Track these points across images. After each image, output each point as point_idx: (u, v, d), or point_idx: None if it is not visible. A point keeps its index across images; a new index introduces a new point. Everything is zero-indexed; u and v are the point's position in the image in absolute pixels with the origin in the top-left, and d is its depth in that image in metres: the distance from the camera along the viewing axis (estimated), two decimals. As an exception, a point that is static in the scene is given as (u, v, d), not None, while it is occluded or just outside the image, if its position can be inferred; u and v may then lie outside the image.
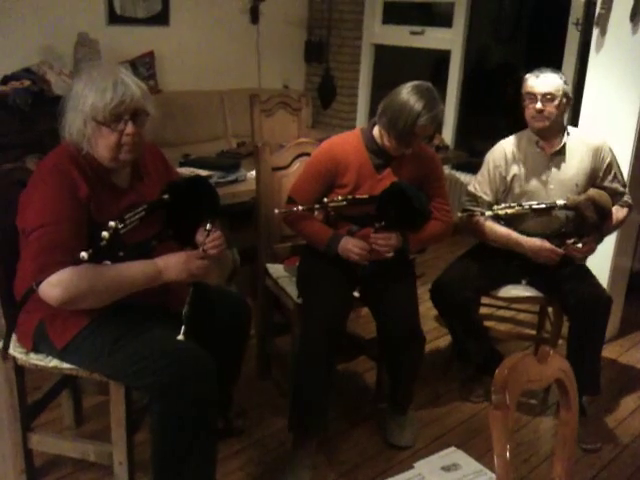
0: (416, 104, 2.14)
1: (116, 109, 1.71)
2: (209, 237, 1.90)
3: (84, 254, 1.65)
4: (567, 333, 2.53)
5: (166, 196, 1.91)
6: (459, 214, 2.63)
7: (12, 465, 1.98)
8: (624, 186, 2.63)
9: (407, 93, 2.17)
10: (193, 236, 1.98)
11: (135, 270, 1.75)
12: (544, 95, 2.42)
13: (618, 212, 2.59)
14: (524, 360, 1.16)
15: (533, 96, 2.45)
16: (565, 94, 2.44)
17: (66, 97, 1.77)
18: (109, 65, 1.94)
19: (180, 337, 1.79)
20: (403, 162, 2.32)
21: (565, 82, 2.45)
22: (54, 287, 1.62)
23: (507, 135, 2.66)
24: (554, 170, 2.53)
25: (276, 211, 2.35)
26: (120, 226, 1.75)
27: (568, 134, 2.54)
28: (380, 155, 2.32)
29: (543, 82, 2.42)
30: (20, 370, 1.90)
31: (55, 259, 1.63)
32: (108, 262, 1.72)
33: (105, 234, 1.71)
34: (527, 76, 2.48)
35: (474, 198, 2.61)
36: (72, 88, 1.76)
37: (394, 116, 2.17)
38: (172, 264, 1.80)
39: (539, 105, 2.43)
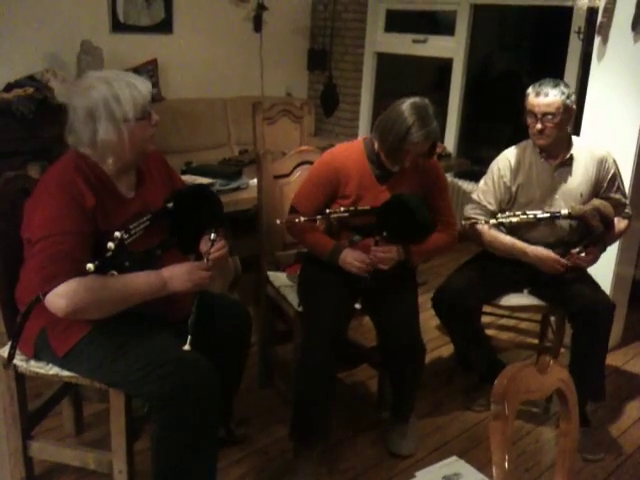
0: (406, 120, 2.11)
1: (148, 100, 1.78)
2: (213, 247, 1.90)
3: (90, 266, 1.65)
4: (570, 341, 2.52)
5: (170, 204, 1.91)
6: (462, 222, 2.63)
7: (12, 473, 1.97)
8: (625, 197, 2.63)
9: (401, 109, 2.14)
10: (197, 245, 1.97)
11: (140, 281, 1.75)
12: (543, 115, 2.40)
13: (619, 223, 2.58)
14: (524, 370, 1.16)
15: (533, 115, 2.43)
16: (566, 109, 2.40)
17: (85, 109, 1.71)
18: (107, 70, 1.97)
19: (187, 347, 1.78)
20: (405, 173, 2.30)
21: (568, 95, 2.40)
22: (60, 298, 1.62)
23: (510, 143, 2.66)
24: (559, 180, 2.53)
25: (278, 222, 2.34)
26: (125, 236, 1.75)
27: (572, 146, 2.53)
28: (382, 166, 2.29)
29: (542, 101, 2.39)
30: (21, 378, 1.90)
31: (61, 270, 1.63)
32: (114, 272, 1.72)
33: (111, 245, 1.70)
34: (528, 91, 2.45)
35: (478, 207, 2.60)
36: (88, 101, 1.71)
37: (385, 131, 2.16)
38: (177, 275, 1.80)
39: (539, 125, 2.42)
